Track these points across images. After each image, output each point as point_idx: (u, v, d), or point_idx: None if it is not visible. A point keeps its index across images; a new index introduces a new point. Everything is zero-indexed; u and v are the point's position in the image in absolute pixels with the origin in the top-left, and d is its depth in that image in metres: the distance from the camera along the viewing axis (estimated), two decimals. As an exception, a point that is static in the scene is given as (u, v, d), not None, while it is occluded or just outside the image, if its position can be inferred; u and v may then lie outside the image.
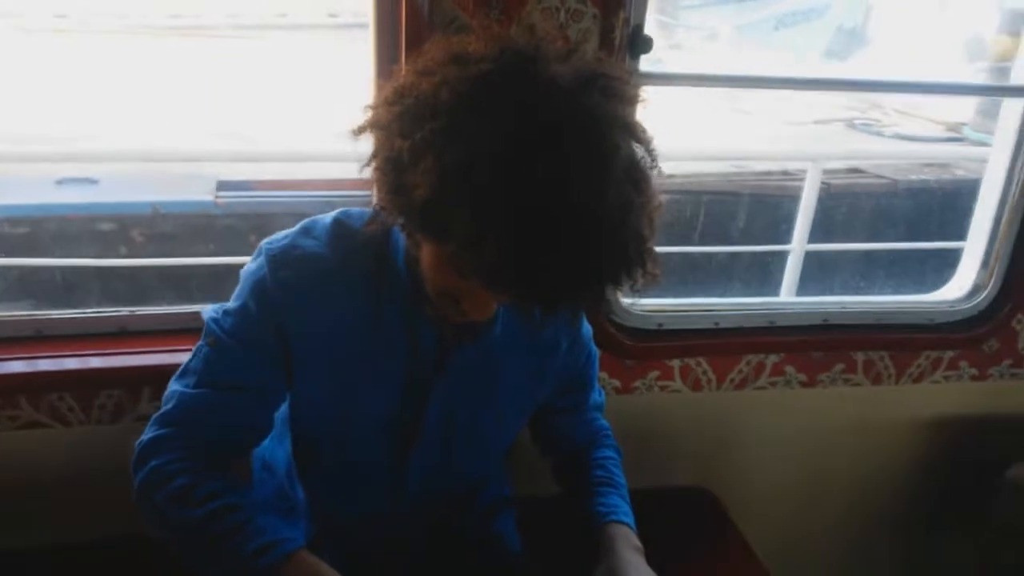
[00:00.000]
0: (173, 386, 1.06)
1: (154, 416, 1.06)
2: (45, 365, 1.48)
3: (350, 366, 1.07)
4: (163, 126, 4.37)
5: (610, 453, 1.32)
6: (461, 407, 1.15)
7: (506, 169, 0.80)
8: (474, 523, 1.31)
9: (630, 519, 1.21)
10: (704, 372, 1.72)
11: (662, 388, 1.72)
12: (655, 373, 1.70)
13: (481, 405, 1.16)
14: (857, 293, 3.61)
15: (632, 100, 0.91)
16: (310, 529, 1.16)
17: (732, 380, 1.75)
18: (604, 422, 1.37)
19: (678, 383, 1.72)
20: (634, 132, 0.89)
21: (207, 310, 1.08)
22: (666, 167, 0.94)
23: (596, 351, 1.31)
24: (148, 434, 1.05)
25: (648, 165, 0.90)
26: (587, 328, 1.27)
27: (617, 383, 1.69)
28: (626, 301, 1.66)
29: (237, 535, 0.96)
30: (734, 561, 1.64)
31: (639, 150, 0.89)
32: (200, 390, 1.04)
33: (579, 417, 1.32)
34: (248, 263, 1.07)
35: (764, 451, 1.89)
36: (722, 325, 1.71)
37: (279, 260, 1.03)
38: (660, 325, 1.69)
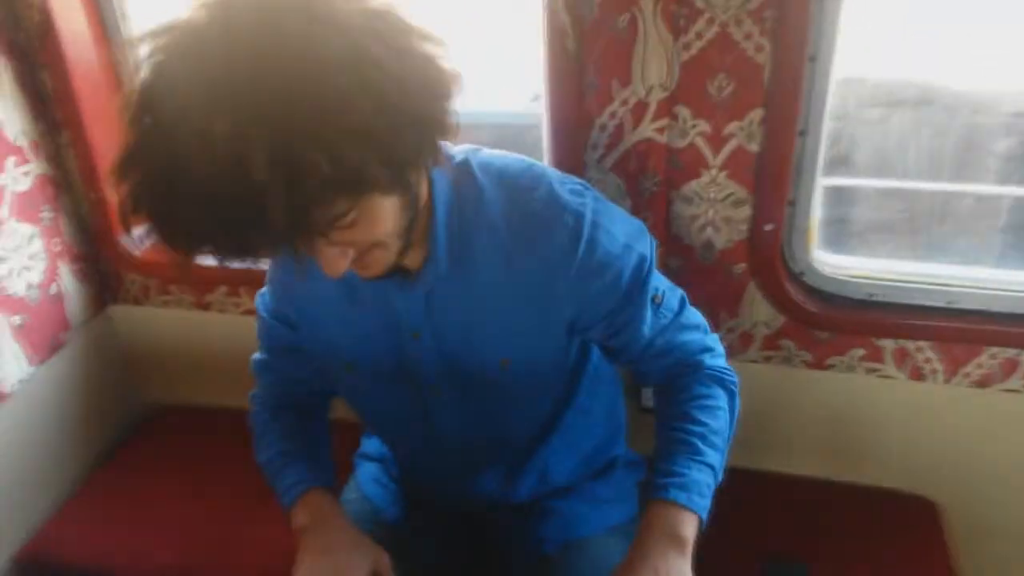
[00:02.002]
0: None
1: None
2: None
3: (335, 325, 1.08)
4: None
5: (697, 390, 1.06)
6: (451, 354, 1.04)
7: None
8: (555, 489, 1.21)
9: (683, 494, 0.96)
10: (928, 360, 1.38)
11: (869, 371, 1.42)
12: (859, 351, 1.41)
13: (472, 350, 1.03)
14: None
15: None
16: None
17: (968, 375, 1.38)
18: (691, 344, 1.09)
19: (891, 368, 1.41)
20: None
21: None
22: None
23: (647, 289, 1.03)
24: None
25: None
26: (623, 266, 0.99)
27: (807, 356, 1.44)
28: (825, 261, 1.39)
29: (276, 479, 1.14)
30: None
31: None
32: (262, 355, 1.22)
33: (645, 354, 1.07)
34: None
35: (1010, 470, 1.47)
36: (959, 305, 1.35)
37: None
38: (871, 296, 1.38)
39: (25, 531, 1.58)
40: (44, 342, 1.62)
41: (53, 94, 1.54)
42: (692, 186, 1.33)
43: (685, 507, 0.96)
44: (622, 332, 1.04)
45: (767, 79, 1.21)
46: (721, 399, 1.07)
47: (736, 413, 1.09)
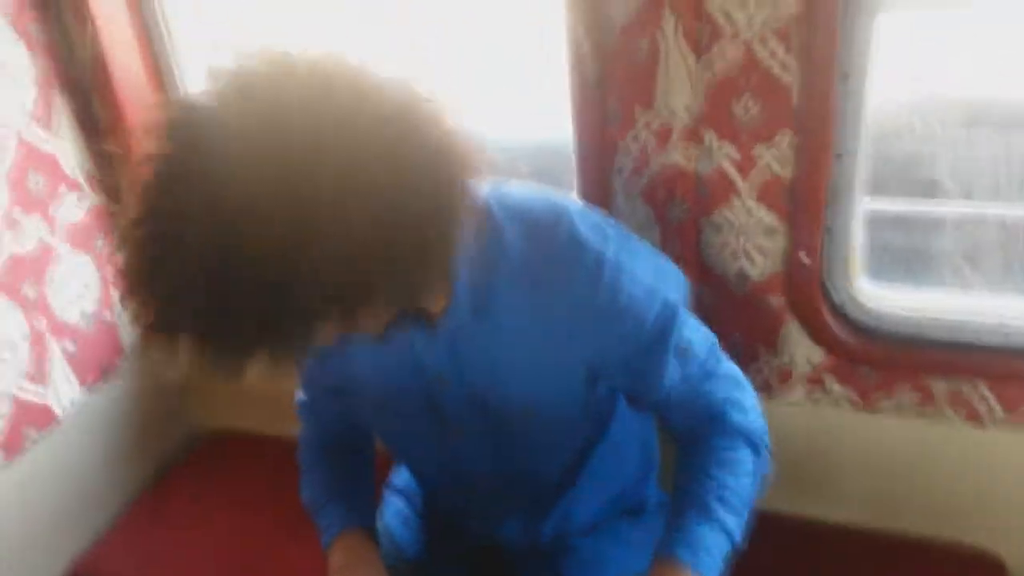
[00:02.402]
0: None
1: None
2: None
3: (363, 366, 1.06)
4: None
5: (716, 443, 0.99)
6: (477, 396, 1.00)
7: None
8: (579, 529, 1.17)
9: (689, 552, 0.90)
10: (984, 400, 1.27)
11: (920, 412, 1.32)
12: (908, 391, 1.30)
13: (496, 391, 1.00)
14: None
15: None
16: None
17: (1031, 418, 1.26)
18: (717, 395, 1.02)
19: (944, 408, 1.30)
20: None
21: None
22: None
23: (671, 337, 0.97)
24: None
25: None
26: (645, 312, 0.94)
27: (852, 394, 1.34)
28: (869, 293, 1.30)
29: (317, 518, 1.14)
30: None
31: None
32: (303, 396, 1.23)
33: (666, 404, 1.02)
34: None
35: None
36: (1018, 341, 1.23)
37: None
38: (920, 330, 1.28)
39: (75, 551, 1.63)
40: (96, 367, 1.68)
41: (107, 128, 1.61)
42: (722, 213, 1.28)
43: (691, 566, 0.90)
44: (642, 380, 0.99)
45: (796, 100, 1.15)
46: (743, 454, 0.99)
47: (762, 472, 1.02)
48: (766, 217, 1.25)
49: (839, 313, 1.30)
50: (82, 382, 1.64)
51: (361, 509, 1.14)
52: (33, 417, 1.53)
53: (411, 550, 1.24)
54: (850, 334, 1.30)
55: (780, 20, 1.11)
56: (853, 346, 1.29)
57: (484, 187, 0.98)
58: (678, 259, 1.29)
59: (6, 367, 1.47)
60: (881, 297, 1.30)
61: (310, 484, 1.18)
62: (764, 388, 1.39)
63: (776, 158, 1.20)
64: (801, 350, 1.34)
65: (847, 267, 1.28)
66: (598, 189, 1.31)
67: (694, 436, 1.01)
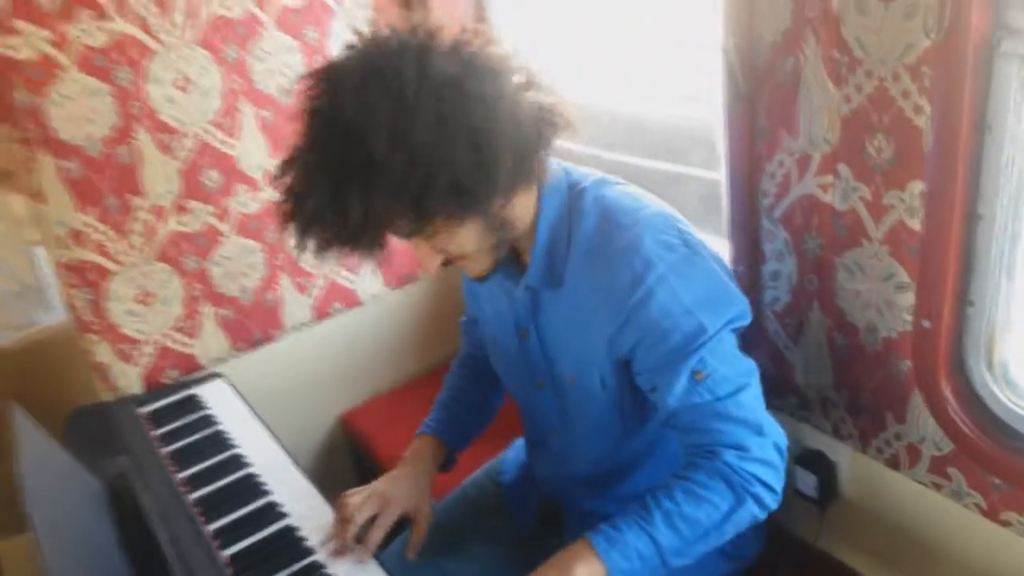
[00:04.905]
0: None
1: None
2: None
3: (484, 301, 1.25)
4: None
5: (694, 475, 1.00)
6: (549, 356, 1.13)
7: None
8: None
9: (605, 543, 0.96)
10: None
11: (1058, 549, 1.05)
12: (1042, 518, 1.05)
13: (561, 359, 1.13)
14: None
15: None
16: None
17: None
18: (721, 435, 1.01)
19: (1088, 557, 1.02)
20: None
21: None
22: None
23: (690, 361, 1.00)
24: None
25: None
26: (673, 329, 0.99)
27: (979, 500, 1.13)
28: (1016, 384, 1.07)
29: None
30: None
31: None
32: (464, 315, 1.46)
33: (669, 423, 1.05)
34: None
35: None
36: None
37: None
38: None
39: (348, 406, 2.16)
40: (400, 274, 2.16)
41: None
42: (854, 255, 1.17)
43: (597, 555, 0.96)
44: (654, 392, 1.05)
45: (927, 146, 1.01)
46: (719, 496, 0.99)
47: (739, 523, 1.01)
48: (896, 271, 1.12)
49: (972, 403, 1.10)
50: (385, 282, 2.14)
51: (449, 429, 1.33)
52: (341, 296, 2.07)
53: (506, 476, 1.43)
54: (981, 433, 1.09)
55: (912, 54, 0.99)
56: (982, 447, 1.09)
57: (590, 178, 1.11)
58: (814, 296, 1.25)
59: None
60: (1034, 399, 1.06)
61: (442, 389, 1.41)
62: (892, 462, 1.24)
63: (907, 208, 1.07)
64: (928, 431, 1.16)
65: (988, 350, 1.07)
66: (744, 205, 1.30)
67: (686, 463, 1.04)
